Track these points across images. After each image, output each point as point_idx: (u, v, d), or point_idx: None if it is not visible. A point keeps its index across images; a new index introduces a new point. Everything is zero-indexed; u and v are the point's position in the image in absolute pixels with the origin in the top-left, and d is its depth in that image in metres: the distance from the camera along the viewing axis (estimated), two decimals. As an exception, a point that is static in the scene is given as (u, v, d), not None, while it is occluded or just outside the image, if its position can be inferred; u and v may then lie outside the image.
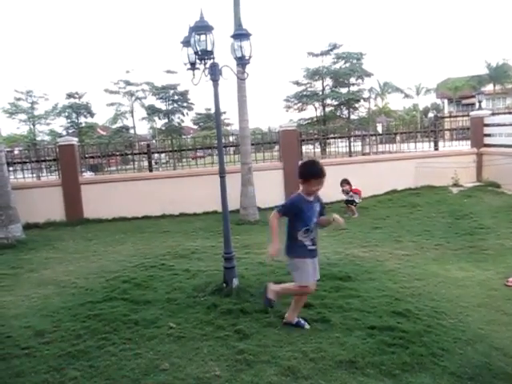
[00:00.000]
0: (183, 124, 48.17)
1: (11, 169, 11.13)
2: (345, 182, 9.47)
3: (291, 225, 3.76)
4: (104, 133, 45.91)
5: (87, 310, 4.52)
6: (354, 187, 9.48)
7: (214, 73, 4.69)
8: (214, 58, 4.70)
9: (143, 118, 45.67)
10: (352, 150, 13.48)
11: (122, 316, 4.29)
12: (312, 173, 3.67)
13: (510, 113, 22.47)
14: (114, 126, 44.86)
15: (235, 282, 4.75)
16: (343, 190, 9.44)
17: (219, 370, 3.27)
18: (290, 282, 4.01)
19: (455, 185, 10.88)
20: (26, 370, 3.41)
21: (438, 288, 4.80)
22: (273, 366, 3.28)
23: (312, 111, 38.79)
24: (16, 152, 15.46)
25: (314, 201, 3.75)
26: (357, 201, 9.44)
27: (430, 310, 4.18)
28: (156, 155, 12.96)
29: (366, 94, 38.44)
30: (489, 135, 11.58)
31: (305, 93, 37.71)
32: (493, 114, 13.80)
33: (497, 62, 44.54)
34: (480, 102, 22.32)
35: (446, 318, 4.01)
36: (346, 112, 38.47)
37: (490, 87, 44.41)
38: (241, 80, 7.98)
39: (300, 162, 4.19)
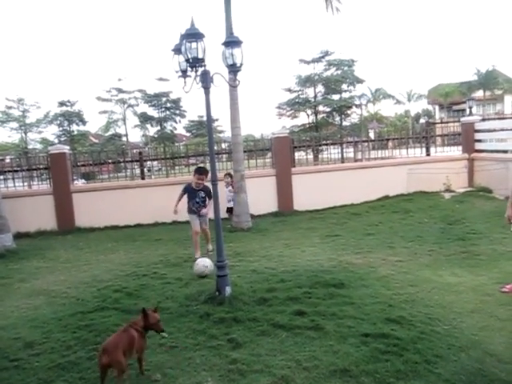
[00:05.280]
0: (176, 131, 48.04)
1: (2, 177, 11.05)
2: (228, 174, 9.86)
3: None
4: (96, 140, 45.70)
5: (78, 321, 4.47)
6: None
7: (206, 80, 4.69)
8: (205, 66, 4.70)
9: (136, 126, 45.51)
10: (344, 156, 13.52)
11: (113, 326, 4.24)
12: (195, 170, 7.15)
13: (500, 118, 22.66)
14: (107, 134, 44.65)
15: (228, 290, 4.72)
16: (225, 182, 9.73)
17: (212, 380, 3.24)
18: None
19: (447, 190, 10.93)
20: (15, 382, 3.37)
21: (432, 294, 4.79)
22: (266, 375, 3.25)
23: (304, 118, 38.86)
24: (7, 160, 15.33)
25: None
26: (231, 196, 9.58)
27: (423, 316, 4.17)
28: (148, 163, 12.90)
29: (357, 101, 38.61)
30: (480, 141, 11.67)
31: (297, 100, 37.78)
32: (483, 120, 13.91)
33: (486, 68, 45.14)
34: (471, 107, 22.50)
35: (439, 324, 4.00)
36: (338, 118, 38.59)
37: (480, 93, 44.92)
38: (232, 87, 7.98)
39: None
